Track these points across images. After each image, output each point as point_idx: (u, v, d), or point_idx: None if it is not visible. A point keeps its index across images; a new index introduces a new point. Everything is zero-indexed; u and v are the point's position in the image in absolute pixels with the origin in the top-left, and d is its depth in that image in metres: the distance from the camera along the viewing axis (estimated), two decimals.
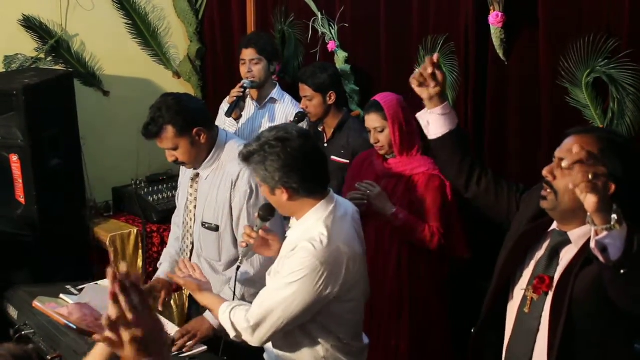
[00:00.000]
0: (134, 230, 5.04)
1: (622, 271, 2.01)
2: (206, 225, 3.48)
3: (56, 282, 3.69)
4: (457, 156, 2.81)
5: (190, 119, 3.33)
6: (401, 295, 3.69)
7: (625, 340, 2.36)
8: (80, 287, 3.47)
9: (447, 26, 3.89)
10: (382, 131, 3.70)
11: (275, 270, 2.79)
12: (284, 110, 4.58)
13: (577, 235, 2.36)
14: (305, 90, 4.31)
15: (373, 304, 3.70)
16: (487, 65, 3.75)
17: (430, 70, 2.71)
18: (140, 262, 4.93)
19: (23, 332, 3.13)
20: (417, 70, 2.79)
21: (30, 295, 3.36)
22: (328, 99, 4.27)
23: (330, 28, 4.64)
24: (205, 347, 3.15)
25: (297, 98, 4.51)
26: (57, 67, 5.32)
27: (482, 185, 2.79)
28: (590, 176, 1.96)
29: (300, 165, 2.69)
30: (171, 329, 3.20)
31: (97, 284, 3.65)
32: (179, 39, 5.92)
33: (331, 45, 4.64)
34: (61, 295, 3.40)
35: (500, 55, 3.61)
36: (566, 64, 3.31)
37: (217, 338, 3.24)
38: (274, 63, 4.66)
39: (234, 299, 3.09)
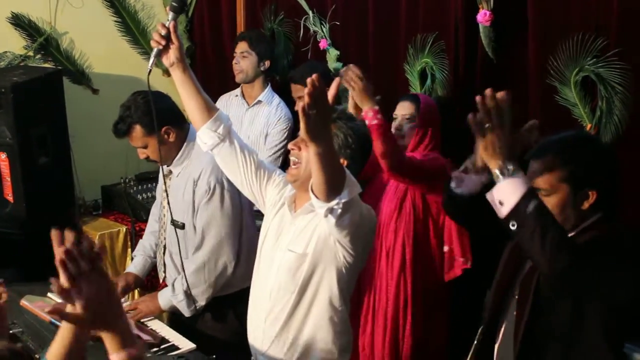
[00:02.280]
0: (123, 229, 5.03)
1: (512, 227, 2.15)
2: (174, 223, 3.51)
3: (44, 281, 3.67)
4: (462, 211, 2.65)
5: (159, 119, 3.34)
6: (405, 297, 3.67)
7: (604, 340, 2.34)
8: None
9: (437, 25, 3.90)
10: (409, 120, 3.69)
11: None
12: (267, 114, 4.58)
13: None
14: (300, 90, 4.25)
15: (377, 308, 3.71)
16: (477, 64, 3.76)
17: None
18: (129, 261, 4.92)
19: (11, 331, 3.12)
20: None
21: (18, 294, 3.35)
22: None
23: (322, 26, 4.64)
24: (194, 346, 3.15)
25: (286, 97, 4.50)
26: (46, 65, 5.31)
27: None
28: (472, 123, 2.11)
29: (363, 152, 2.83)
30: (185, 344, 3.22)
31: None
32: None
33: (323, 44, 4.64)
34: (49, 294, 3.40)
35: (490, 53, 3.62)
36: (555, 62, 3.32)
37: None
38: (264, 61, 4.66)
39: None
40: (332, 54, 4.57)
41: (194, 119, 2.94)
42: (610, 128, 3.18)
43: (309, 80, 2.17)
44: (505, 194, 2.15)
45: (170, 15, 2.83)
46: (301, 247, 2.75)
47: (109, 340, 1.74)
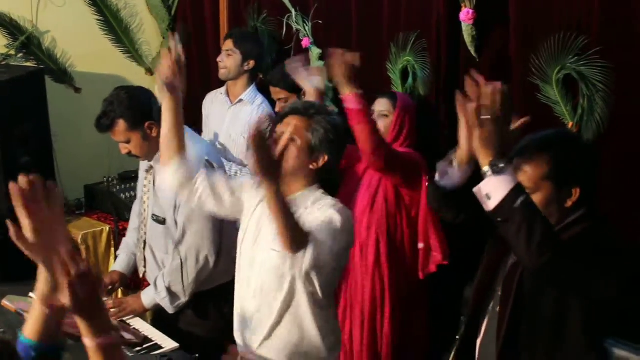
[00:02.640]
0: (106, 228, 5.01)
1: (498, 221, 2.16)
2: (155, 218, 3.54)
3: (26, 281, 3.65)
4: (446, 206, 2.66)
5: (142, 113, 3.40)
6: (382, 293, 3.68)
7: (586, 335, 2.36)
8: None
9: (419, 23, 3.90)
10: (385, 116, 3.70)
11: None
12: (250, 113, 4.54)
13: None
14: (279, 93, 4.26)
15: (353, 304, 3.71)
16: (459, 62, 3.77)
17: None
18: (112, 260, 4.90)
19: None
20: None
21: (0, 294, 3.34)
22: (303, 96, 4.23)
23: (305, 24, 4.63)
24: (177, 345, 3.14)
25: (269, 95, 4.50)
26: (28, 64, 5.27)
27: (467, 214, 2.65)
28: (475, 112, 2.10)
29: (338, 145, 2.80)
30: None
31: None
32: (151, 36, 5.90)
33: (305, 42, 4.63)
34: (30, 294, 3.37)
35: (472, 52, 3.63)
36: (537, 61, 3.33)
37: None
38: (249, 61, 4.63)
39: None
40: (315, 52, 4.57)
41: (166, 152, 2.94)
42: (592, 126, 3.19)
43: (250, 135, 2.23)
44: (493, 188, 2.15)
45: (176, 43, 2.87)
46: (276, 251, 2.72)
47: (83, 326, 1.77)
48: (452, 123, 3.71)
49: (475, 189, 2.21)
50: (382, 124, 3.66)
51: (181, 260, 3.41)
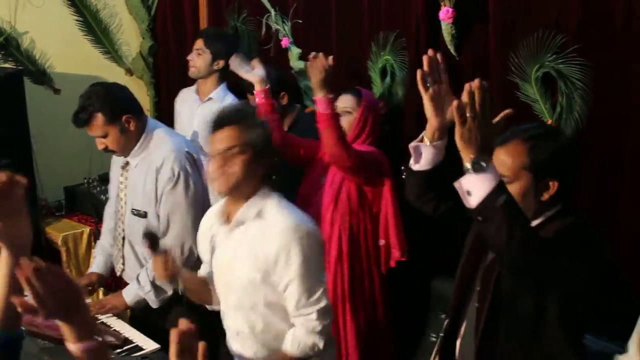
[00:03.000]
0: (87, 230, 5.00)
1: (478, 219, 2.16)
2: (135, 212, 3.57)
3: None
4: (426, 193, 2.64)
5: (120, 107, 3.42)
6: (343, 288, 3.68)
7: (563, 332, 2.37)
8: None
9: (398, 22, 3.91)
10: (348, 113, 3.72)
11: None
12: (216, 109, 4.53)
13: None
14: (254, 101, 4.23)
15: None
16: None
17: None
18: (93, 261, 4.88)
19: None
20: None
21: None
22: (282, 100, 4.22)
23: (284, 24, 4.63)
24: (158, 346, 3.14)
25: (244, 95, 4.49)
26: (6, 65, 5.25)
27: (448, 204, 2.65)
28: (456, 109, 2.11)
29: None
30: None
31: None
32: (131, 36, 5.88)
33: (285, 42, 4.63)
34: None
35: (452, 50, 3.63)
36: (516, 59, 3.34)
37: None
38: (218, 60, 4.62)
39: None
40: (294, 52, 4.57)
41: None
42: (571, 123, 3.21)
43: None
44: (475, 185, 2.15)
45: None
46: (248, 264, 2.76)
47: (66, 331, 1.76)
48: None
49: (455, 184, 2.20)
50: (345, 121, 3.69)
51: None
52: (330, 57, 3.43)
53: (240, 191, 2.74)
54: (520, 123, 3.27)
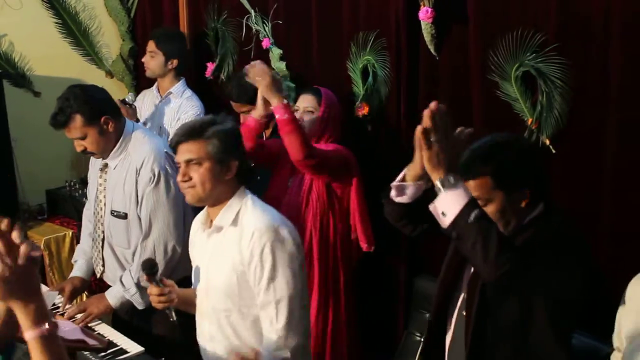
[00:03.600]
0: (69, 233, 4.98)
1: (454, 237, 2.23)
2: (115, 214, 3.57)
3: None
4: (401, 220, 2.67)
5: (98, 108, 3.41)
6: (311, 289, 3.68)
7: (552, 334, 2.40)
8: None
9: (378, 22, 3.92)
10: (310, 112, 3.76)
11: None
12: (179, 104, 4.72)
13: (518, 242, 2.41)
14: (241, 107, 4.18)
15: None
16: (419, 61, 3.79)
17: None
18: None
19: None
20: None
21: None
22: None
23: (264, 25, 4.63)
24: (142, 349, 3.13)
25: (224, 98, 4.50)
26: None
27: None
28: (422, 135, 2.18)
29: (241, 143, 2.85)
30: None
31: None
32: (110, 38, 5.86)
33: (265, 43, 4.62)
34: None
35: (432, 50, 3.65)
36: (496, 58, 3.36)
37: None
38: (172, 60, 4.76)
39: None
40: (275, 53, 4.56)
41: None
42: (551, 122, 3.23)
43: None
44: (448, 205, 2.20)
45: (154, 284, 2.89)
46: (224, 268, 2.78)
47: (22, 315, 1.75)
48: (411, 119, 3.79)
49: (431, 207, 2.25)
50: (307, 120, 3.73)
51: (150, 251, 3.45)
52: (266, 67, 3.52)
53: (213, 198, 2.79)
54: (501, 122, 3.34)
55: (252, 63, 3.55)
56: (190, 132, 2.75)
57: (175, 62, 4.77)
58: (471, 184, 2.39)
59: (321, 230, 3.71)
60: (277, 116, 3.49)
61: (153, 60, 4.79)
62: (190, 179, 2.74)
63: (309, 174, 3.68)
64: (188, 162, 2.74)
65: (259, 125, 3.68)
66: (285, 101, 3.50)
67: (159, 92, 4.89)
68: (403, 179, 2.49)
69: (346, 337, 3.84)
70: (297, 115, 3.72)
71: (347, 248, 3.82)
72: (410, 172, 2.46)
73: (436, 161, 2.20)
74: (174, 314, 2.88)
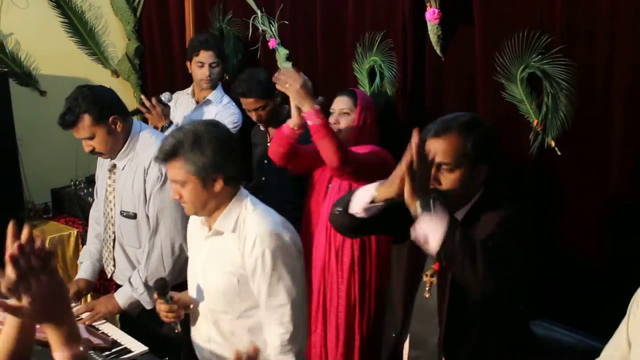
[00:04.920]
0: (74, 232, 4.99)
1: (444, 260, 2.35)
2: (124, 214, 3.57)
3: None
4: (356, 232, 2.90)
5: (106, 108, 3.41)
6: (355, 296, 3.67)
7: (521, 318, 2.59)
8: None
9: (385, 23, 3.92)
10: (346, 114, 3.69)
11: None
12: (216, 112, 4.59)
13: (460, 216, 2.55)
14: (254, 103, 4.15)
15: (329, 307, 3.70)
16: (425, 61, 3.78)
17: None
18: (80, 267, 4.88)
19: None
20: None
21: None
22: (277, 99, 4.22)
23: (270, 25, 4.63)
24: (146, 348, 3.13)
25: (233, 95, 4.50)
26: None
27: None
28: (407, 169, 2.29)
29: (233, 146, 2.76)
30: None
31: None
32: (116, 38, 5.87)
33: (272, 43, 4.63)
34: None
35: (437, 51, 3.65)
36: (501, 59, 3.35)
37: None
38: (224, 67, 4.74)
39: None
40: (282, 53, 4.57)
41: None
42: (556, 123, 3.22)
43: None
44: (430, 227, 2.29)
45: (163, 302, 2.92)
46: (223, 271, 2.78)
47: (54, 336, 1.75)
48: (417, 120, 3.79)
49: (412, 233, 2.34)
50: (344, 122, 3.67)
51: (158, 250, 3.45)
52: (299, 73, 3.43)
53: (207, 209, 2.77)
54: (506, 124, 3.34)
55: (280, 70, 3.45)
56: (165, 154, 2.69)
57: (225, 68, 4.76)
58: (442, 142, 2.49)
59: (362, 239, 3.64)
60: (309, 122, 3.40)
61: (217, 69, 4.66)
62: (182, 196, 2.73)
63: (347, 180, 3.62)
64: (176, 181, 2.72)
65: (294, 134, 3.57)
66: (317, 106, 3.39)
67: (194, 97, 4.79)
68: (373, 201, 2.53)
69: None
70: (333, 117, 3.69)
71: (387, 255, 3.76)
72: (381, 194, 2.50)
73: (417, 189, 2.30)
74: (179, 327, 2.90)
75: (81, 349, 1.76)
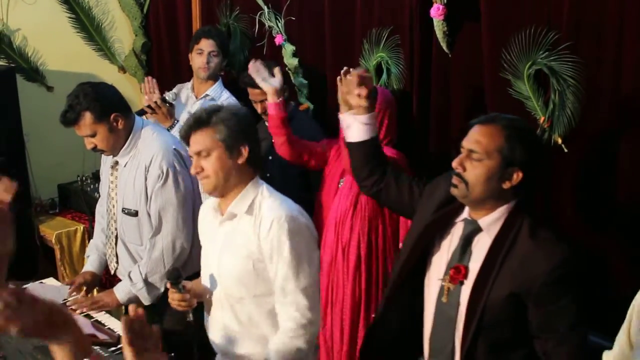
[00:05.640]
0: (80, 227, 5.00)
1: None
2: (126, 211, 3.59)
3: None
4: (368, 163, 2.92)
5: (108, 105, 3.42)
6: (360, 293, 3.67)
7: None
8: (24, 286, 3.43)
9: (392, 19, 3.91)
10: None
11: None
12: None
13: (487, 222, 2.50)
14: (262, 94, 4.06)
15: (334, 302, 3.71)
16: (432, 58, 3.78)
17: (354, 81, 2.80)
18: (86, 260, 4.89)
19: None
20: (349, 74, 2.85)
21: None
22: (285, 94, 4.22)
23: (277, 21, 4.62)
24: None
25: (238, 92, 4.49)
26: None
27: (383, 182, 2.91)
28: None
29: (251, 126, 2.84)
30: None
31: (42, 282, 3.64)
32: (123, 33, 5.87)
33: (278, 39, 4.62)
34: None
35: (444, 47, 3.64)
36: (508, 56, 3.34)
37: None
38: (225, 60, 4.73)
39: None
40: (288, 49, 4.56)
41: None
42: (563, 120, 3.21)
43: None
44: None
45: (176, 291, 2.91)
46: (238, 256, 2.78)
47: (61, 354, 1.75)
48: (424, 116, 3.78)
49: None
50: None
51: (159, 248, 3.47)
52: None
53: (227, 186, 2.77)
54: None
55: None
56: (197, 121, 2.74)
57: (225, 61, 4.76)
58: (481, 130, 2.47)
59: (369, 235, 3.65)
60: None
61: (216, 58, 4.66)
62: (203, 169, 2.74)
63: None
64: (198, 153, 2.74)
65: (279, 107, 3.65)
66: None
67: (194, 91, 4.79)
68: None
69: None
70: None
71: (395, 254, 3.77)
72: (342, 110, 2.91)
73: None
74: (191, 315, 2.90)
75: None
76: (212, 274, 2.91)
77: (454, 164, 2.49)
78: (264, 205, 2.75)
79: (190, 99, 4.76)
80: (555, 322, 2.39)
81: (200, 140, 2.73)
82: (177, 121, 4.32)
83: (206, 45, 4.64)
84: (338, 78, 2.93)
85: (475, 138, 2.46)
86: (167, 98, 4.37)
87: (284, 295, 2.72)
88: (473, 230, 2.53)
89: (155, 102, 4.24)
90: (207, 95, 4.66)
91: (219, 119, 2.72)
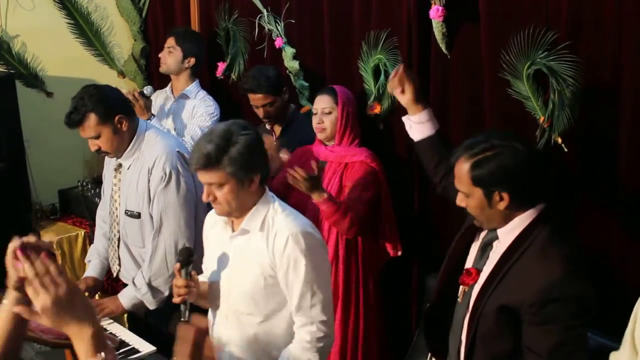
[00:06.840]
0: (81, 233, 5.00)
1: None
2: (129, 213, 3.61)
3: (2, 287, 3.63)
4: (431, 160, 3.12)
5: (112, 107, 3.44)
6: (337, 294, 3.69)
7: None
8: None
9: (389, 21, 3.91)
10: (329, 113, 3.78)
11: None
12: (192, 105, 4.72)
13: (504, 231, 2.54)
14: (262, 99, 4.17)
15: None
16: (430, 59, 3.78)
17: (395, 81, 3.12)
18: (88, 264, 4.88)
19: None
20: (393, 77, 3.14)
21: None
22: (284, 95, 4.25)
23: (277, 25, 4.62)
24: (154, 348, 3.13)
25: (239, 97, 4.50)
26: None
27: (448, 180, 2.92)
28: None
29: (263, 146, 2.81)
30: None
31: None
32: (122, 38, 5.87)
33: (278, 42, 4.62)
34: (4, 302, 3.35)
35: (443, 48, 3.64)
36: (507, 56, 3.34)
37: None
38: (189, 58, 4.78)
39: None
40: (288, 52, 4.56)
41: None
42: (563, 120, 3.21)
43: None
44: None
45: (183, 272, 2.86)
46: (250, 272, 2.78)
47: (79, 342, 1.74)
48: None
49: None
50: (327, 121, 3.77)
51: (161, 250, 3.48)
52: (302, 171, 3.46)
53: (240, 210, 2.78)
54: (513, 121, 3.32)
55: (290, 171, 3.48)
56: (205, 163, 2.67)
57: (192, 60, 4.79)
58: (456, 167, 2.54)
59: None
60: (321, 207, 3.51)
61: (171, 55, 4.80)
62: (215, 198, 2.73)
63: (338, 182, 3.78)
64: (211, 184, 2.72)
65: (326, 202, 3.55)
66: (325, 195, 3.47)
67: (172, 93, 4.90)
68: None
69: (376, 343, 3.86)
70: (317, 118, 3.80)
71: (374, 253, 3.82)
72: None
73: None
74: (187, 314, 2.87)
75: (105, 355, 1.74)
76: (219, 287, 2.90)
77: (457, 203, 2.59)
78: (277, 220, 2.76)
79: (169, 99, 4.89)
80: (538, 342, 2.39)
81: (211, 177, 2.70)
82: (154, 116, 4.45)
83: (167, 42, 4.84)
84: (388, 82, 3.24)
85: (455, 178, 2.55)
86: (145, 92, 4.49)
87: (301, 310, 2.73)
88: (492, 237, 2.59)
89: (133, 95, 4.28)
90: (184, 94, 4.78)
91: (230, 160, 2.66)
